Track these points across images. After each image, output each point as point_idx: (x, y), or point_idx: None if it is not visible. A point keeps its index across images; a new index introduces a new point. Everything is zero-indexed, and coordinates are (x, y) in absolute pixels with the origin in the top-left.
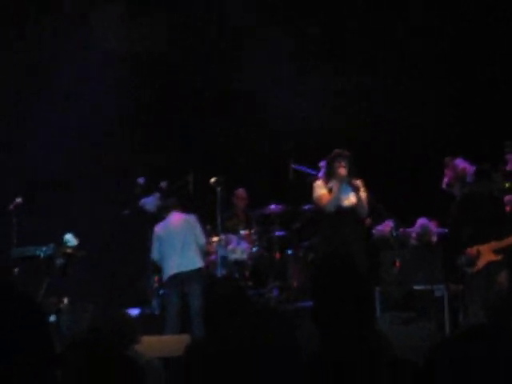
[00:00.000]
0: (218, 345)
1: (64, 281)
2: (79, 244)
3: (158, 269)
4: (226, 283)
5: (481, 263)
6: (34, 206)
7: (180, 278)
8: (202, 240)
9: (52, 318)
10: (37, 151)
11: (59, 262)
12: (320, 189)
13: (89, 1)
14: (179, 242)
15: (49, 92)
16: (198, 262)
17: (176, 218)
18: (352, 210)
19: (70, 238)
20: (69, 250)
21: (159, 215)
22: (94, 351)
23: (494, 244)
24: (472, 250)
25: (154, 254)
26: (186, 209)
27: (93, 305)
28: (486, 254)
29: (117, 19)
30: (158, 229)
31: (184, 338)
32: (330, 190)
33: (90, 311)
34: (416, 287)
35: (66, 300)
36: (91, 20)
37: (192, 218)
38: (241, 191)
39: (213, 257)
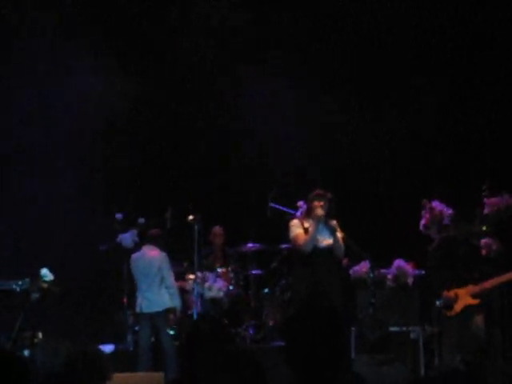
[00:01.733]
0: None
1: (39, 315)
2: (55, 279)
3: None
4: (208, 322)
5: (458, 307)
6: (10, 240)
7: (147, 316)
8: (169, 281)
9: (26, 353)
10: (22, 189)
11: (34, 296)
12: (296, 228)
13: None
14: (145, 281)
15: None
16: (162, 304)
17: (148, 254)
18: (328, 250)
19: (47, 273)
20: (45, 285)
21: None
22: None
23: (472, 288)
24: (450, 294)
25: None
26: (162, 245)
27: (68, 340)
28: (463, 297)
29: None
30: (132, 260)
31: (157, 376)
32: (306, 230)
33: (65, 347)
34: (392, 329)
35: (40, 335)
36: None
37: (162, 257)
38: (217, 229)
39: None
